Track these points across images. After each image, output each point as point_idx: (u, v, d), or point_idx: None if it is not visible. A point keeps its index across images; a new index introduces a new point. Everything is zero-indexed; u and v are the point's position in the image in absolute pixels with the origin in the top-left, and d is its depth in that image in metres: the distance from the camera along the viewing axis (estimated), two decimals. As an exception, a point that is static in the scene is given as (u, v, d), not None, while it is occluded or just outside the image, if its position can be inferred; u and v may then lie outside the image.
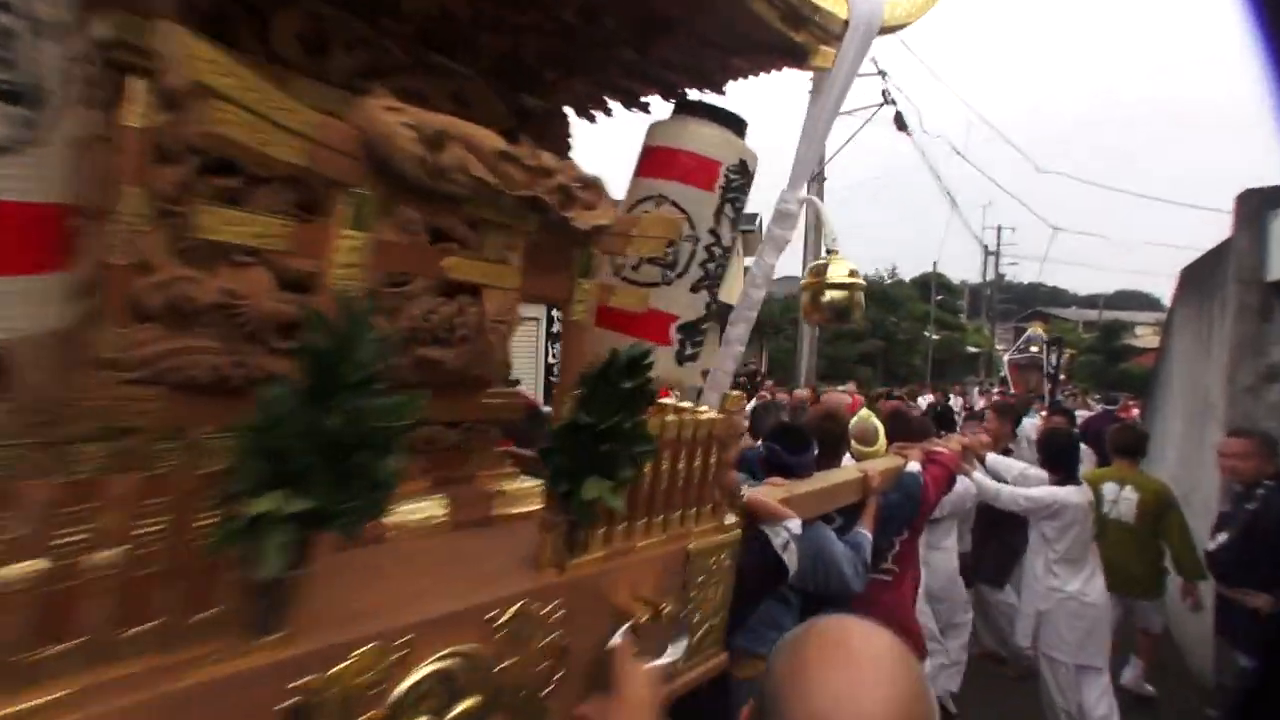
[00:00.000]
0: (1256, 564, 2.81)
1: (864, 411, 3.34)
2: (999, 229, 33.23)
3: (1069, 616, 3.28)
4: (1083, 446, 4.11)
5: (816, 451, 2.20)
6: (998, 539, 4.02)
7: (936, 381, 20.17)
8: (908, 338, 21.80)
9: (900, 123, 12.04)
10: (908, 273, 34.86)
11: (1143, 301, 51.11)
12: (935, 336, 26.89)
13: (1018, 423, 5.34)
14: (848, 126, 12.24)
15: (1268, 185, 4.20)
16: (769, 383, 10.75)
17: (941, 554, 3.58)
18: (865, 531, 2.25)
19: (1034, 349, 12.95)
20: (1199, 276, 5.47)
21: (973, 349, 30.58)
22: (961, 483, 3.33)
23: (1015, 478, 3.67)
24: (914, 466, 2.69)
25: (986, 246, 31.95)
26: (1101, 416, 7.86)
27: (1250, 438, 3.15)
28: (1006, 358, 14.64)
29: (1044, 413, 7.82)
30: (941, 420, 4.92)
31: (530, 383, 8.77)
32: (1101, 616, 3.34)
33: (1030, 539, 3.60)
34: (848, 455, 2.95)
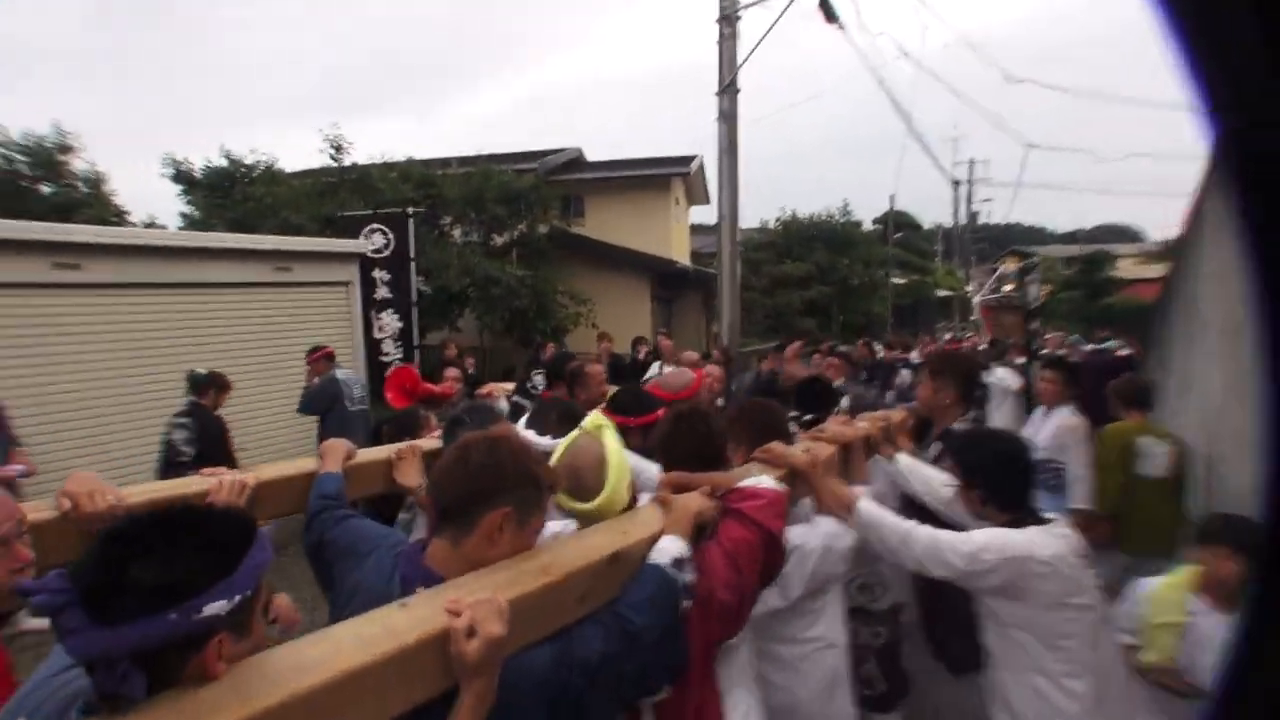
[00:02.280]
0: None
1: (594, 417, 1.85)
2: (970, 163, 33.04)
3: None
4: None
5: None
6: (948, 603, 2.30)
7: (901, 330, 19.54)
8: (862, 282, 21.03)
9: (829, 11, 10.79)
10: (866, 215, 34.36)
11: (1125, 235, 52.48)
12: (900, 280, 26.40)
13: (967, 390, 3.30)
14: (762, 20, 10.92)
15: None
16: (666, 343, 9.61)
17: (802, 652, 2.09)
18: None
19: (1008, 288, 12.28)
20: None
21: (944, 292, 30.41)
22: (820, 530, 2.06)
23: (938, 500, 2.32)
24: (671, 548, 1.51)
25: (957, 182, 31.67)
26: (1097, 359, 7.02)
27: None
28: (976, 299, 13.96)
29: (1021, 360, 6.91)
30: (815, 399, 3.31)
31: (347, 357, 7.34)
32: None
33: (991, 635, 2.03)
34: (553, 518, 1.66)
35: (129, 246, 5.50)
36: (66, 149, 13.15)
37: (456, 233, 15.68)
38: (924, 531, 1.98)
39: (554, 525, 1.74)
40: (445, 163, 15.77)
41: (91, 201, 13.01)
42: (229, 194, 12.50)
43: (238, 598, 0.95)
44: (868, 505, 2.06)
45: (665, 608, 1.42)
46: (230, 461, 4.81)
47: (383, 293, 8.17)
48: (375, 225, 8.16)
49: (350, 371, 5.92)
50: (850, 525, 2.06)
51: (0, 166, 12.65)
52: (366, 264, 7.92)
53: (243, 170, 13.11)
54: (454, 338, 15.29)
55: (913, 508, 2.40)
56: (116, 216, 13.87)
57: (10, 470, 4.16)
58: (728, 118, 10.06)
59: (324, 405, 5.49)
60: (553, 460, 1.68)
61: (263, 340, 6.49)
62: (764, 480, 1.85)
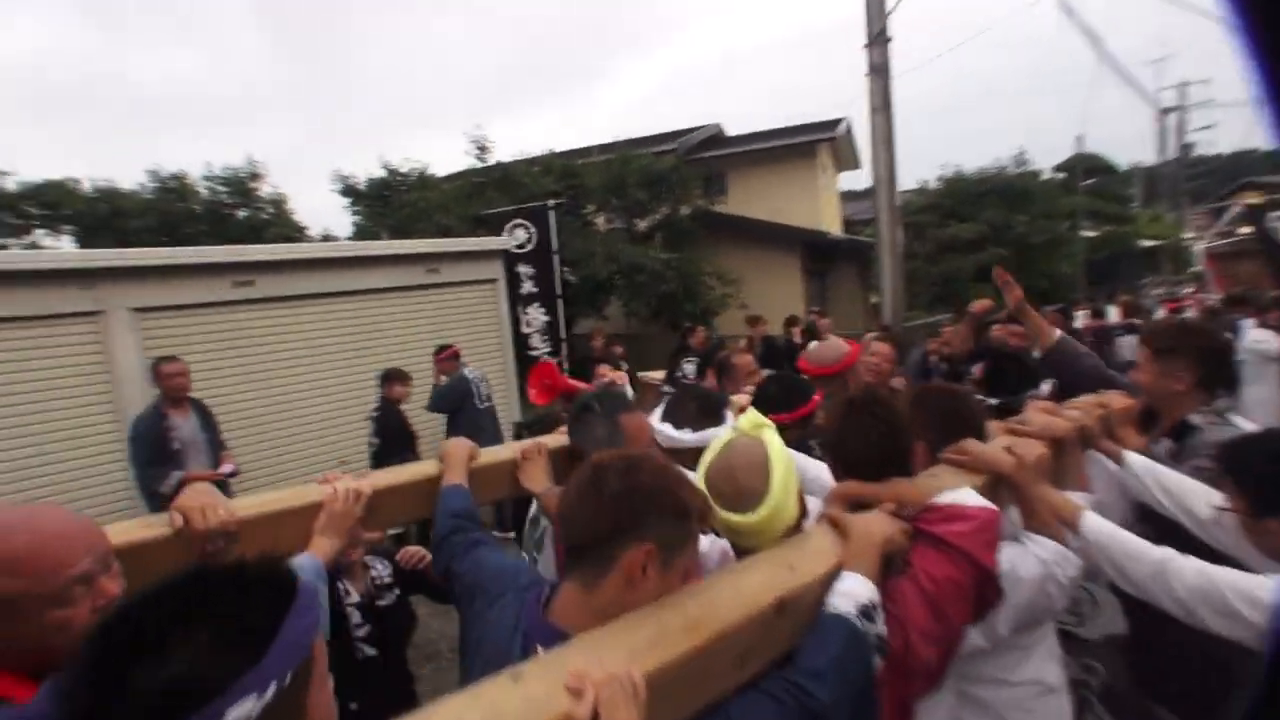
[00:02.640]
0: None
1: (752, 416, 1.46)
2: (1182, 85, 28.42)
3: None
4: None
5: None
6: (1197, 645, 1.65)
7: (1095, 290, 17.18)
8: (1045, 239, 18.51)
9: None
10: (1046, 161, 30.57)
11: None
12: (1091, 233, 23.31)
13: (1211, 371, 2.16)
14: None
15: None
16: (821, 321, 8.84)
17: (1013, 697, 1.63)
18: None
19: (1244, 230, 10.21)
20: None
21: (1150, 242, 26.50)
22: (1036, 554, 1.54)
23: (1191, 518, 1.73)
24: (857, 591, 1.17)
25: (1166, 109, 27.38)
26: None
27: None
28: (1199, 247, 11.83)
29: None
30: (1008, 379, 2.72)
31: (495, 354, 7.47)
32: None
33: None
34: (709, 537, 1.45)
35: (295, 261, 5.86)
36: (256, 176, 14.69)
37: (600, 221, 15.80)
38: (1191, 567, 1.43)
39: (702, 543, 1.43)
40: (585, 152, 15.90)
41: (276, 221, 14.45)
42: (388, 202, 13.37)
43: (272, 688, 0.72)
44: (1095, 521, 1.56)
45: (855, 673, 1.11)
46: (413, 452, 5.19)
47: (528, 287, 8.24)
48: (517, 220, 8.24)
49: (477, 370, 5.98)
50: (1072, 545, 1.57)
51: (207, 196, 14.36)
52: (511, 260, 8.01)
53: (399, 178, 13.96)
54: (601, 326, 15.50)
55: (1149, 520, 1.84)
56: (297, 232, 15.32)
57: (221, 471, 4.53)
58: (878, 71, 9.14)
59: (453, 404, 5.60)
60: (702, 465, 1.41)
61: (417, 341, 6.70)
62: (968, 495, 1.42)
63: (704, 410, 1.98)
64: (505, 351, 7.50)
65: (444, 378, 5.80)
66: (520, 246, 8.25)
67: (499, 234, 8.17)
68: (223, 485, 4.42)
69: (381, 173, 14.08)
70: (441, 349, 5.88)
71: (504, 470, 1.86)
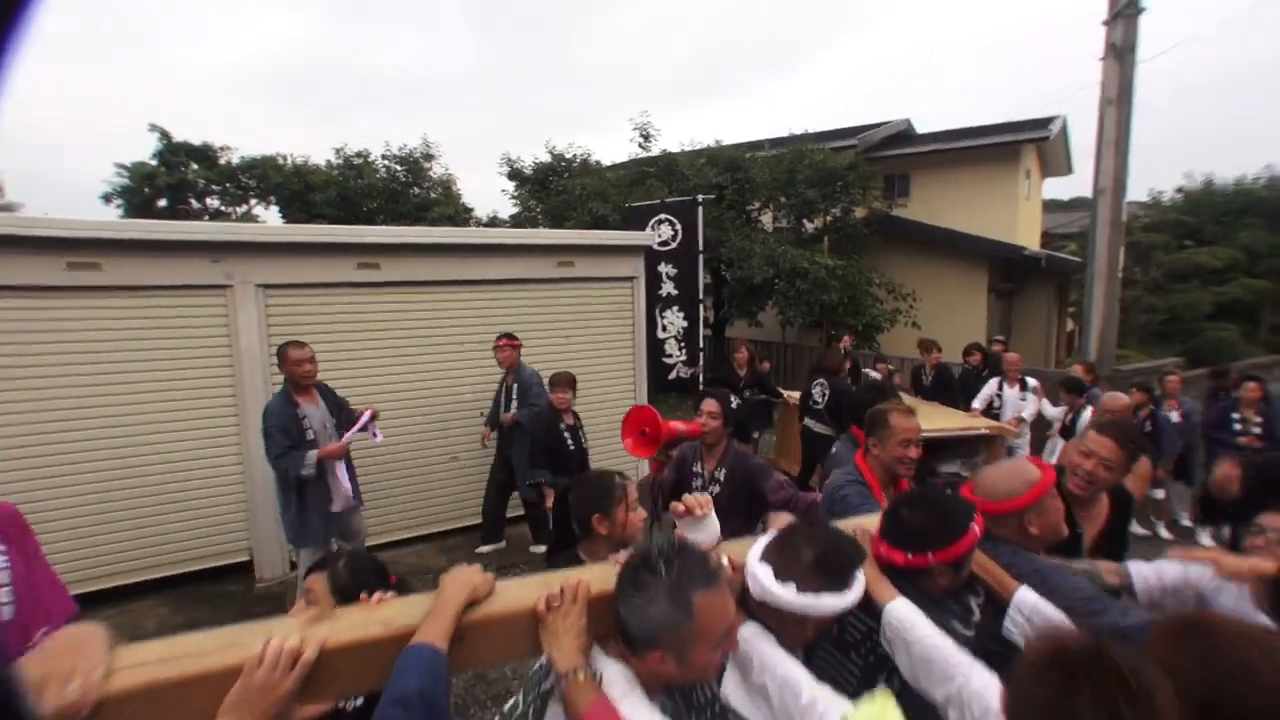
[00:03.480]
0: None
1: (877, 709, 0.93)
2: None
3: None
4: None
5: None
6: None
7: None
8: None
9: None
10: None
11: None
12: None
13: None
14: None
15: None
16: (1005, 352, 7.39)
17: None
18: None
19: None
20: None
21: None
22: None
23: None
24: None
25: None
26: None
27: None
28: None
29: None
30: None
31: (624, 358, 6.95)
32: None
33: None
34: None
35: (421, 246, 5.66)
36: (429, 157, 15.37)
37: (765, 219, 14.94)
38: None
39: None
40: (757, 145, 15.06)
41: (443, 200, 15.01)
42: (548, 187, 13.38)
43: None
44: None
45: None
46: (566, 472, 4.97)
47: (668, 288, 7.65)
48: (663, 215, 7.65)
49: (534, 369, 5.64)
50: None
51: (384, 175, 15.23)
52: (653, 257, 7.45)
53: (563, 164, 13.96)
54: (753, 334, 14.71)
55: None
56: (464, 213, 15.86)
57: (362, 422, 4.46)
58: (1119, 53, 7.55)
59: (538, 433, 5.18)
60: None
61: (543, 337, 6.39)
62: None
63: (823, 565, 1.50)
64: (637, 357, 6.97)
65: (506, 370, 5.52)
66: (664, 243, 7.66)
67: (642, 228, 7.63)
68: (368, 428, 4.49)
69: (546, 158, 14.15)
70: (499, 337, 5.47)
71: (515, 627, 1.38)
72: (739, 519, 3.21)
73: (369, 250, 5.46)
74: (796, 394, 7.10)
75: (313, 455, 4.18)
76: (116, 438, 4.79)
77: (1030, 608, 1.74)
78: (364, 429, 4.48)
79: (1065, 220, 25.57)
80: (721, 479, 3.32)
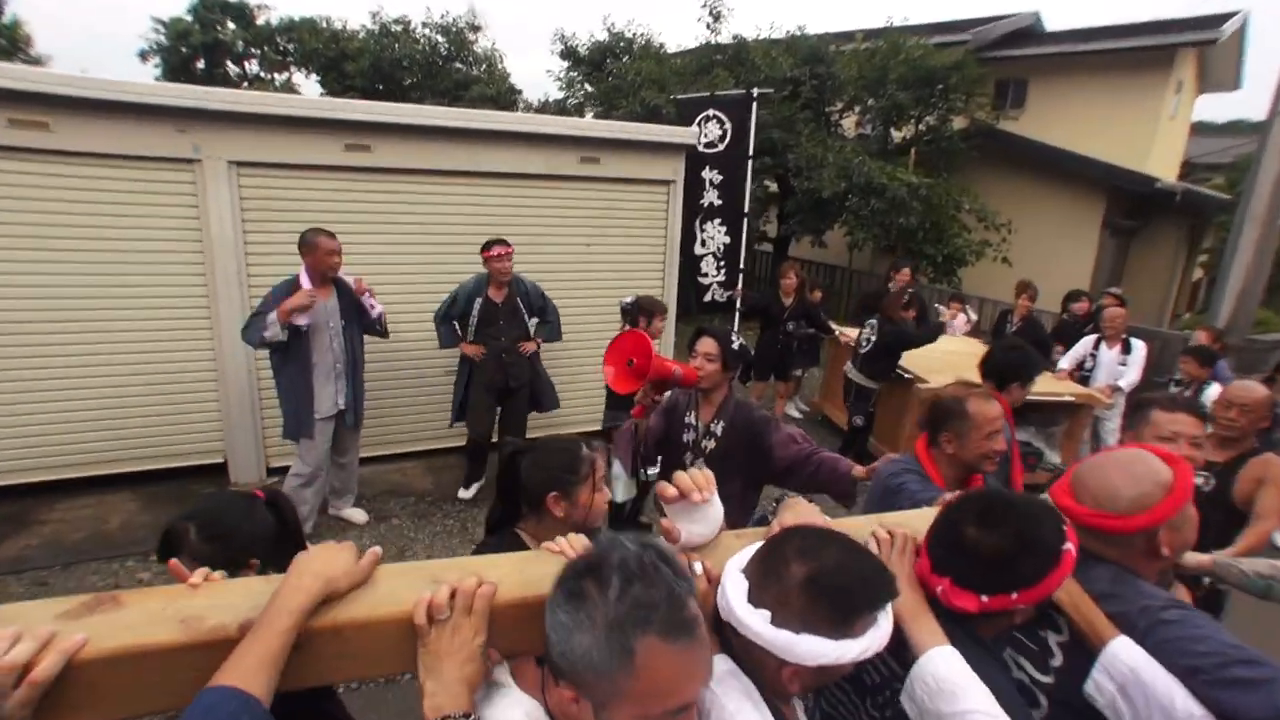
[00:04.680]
0: None
1: None
2: None
3: None
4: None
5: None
6: None
7: None
8: None
9: None
10: None
11: None
12: None
13: None
14: None
15: None
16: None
17: None
18: None
19: None
20: None
21: None
22: None
23: None
24: None
25: None
26: None
27: None
28: None
29: None
30: None
31: (653, 274, 6.53)
32: None
33: None
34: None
35: (421, 128, 5.24)
36: (475, 28, 14.63)
37: (847, 123, 13.90)
38: None
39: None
40: (846, 36, 13.82)
41: (486, 79, 14.36)
42: (602, 70, 12.61)
43: None
44: None
45: None
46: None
47: (710, 197, 7.07)
48: (712, 111, 6.99)
49: (531, 280, 5.28)
50: None
51: (423, 47, 14.62)
52: (696, 161, 6.86)
53: (622, 45, 13.10)
54: (816, 256, 13.97)
55: None
56: (510, 95, 15.21)
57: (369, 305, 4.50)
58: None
59: (443, 329, 5.03)
60: None
61: (558, 245, 6.02)
62: None
63: (816, 592, 1.11)
64: (668, 274, 6.54)
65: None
66: (710, 144, 7.04)
67: (690, 125, 7.00)
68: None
69: (604, 36, 13.30)
70: (491, 243, 4.92)
71: (380, 639, 1.09)
72: (738, 482, 2.96)
73: (358, 129, 5.08)
74: (853, 332, 6.62)
75: (273, 316, 4.09)
76: (71, 322, 4.69)
77: (1126, 669, 1.32)
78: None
79: (1215, 147, 23.17)
80: (718, 433, 3.01)
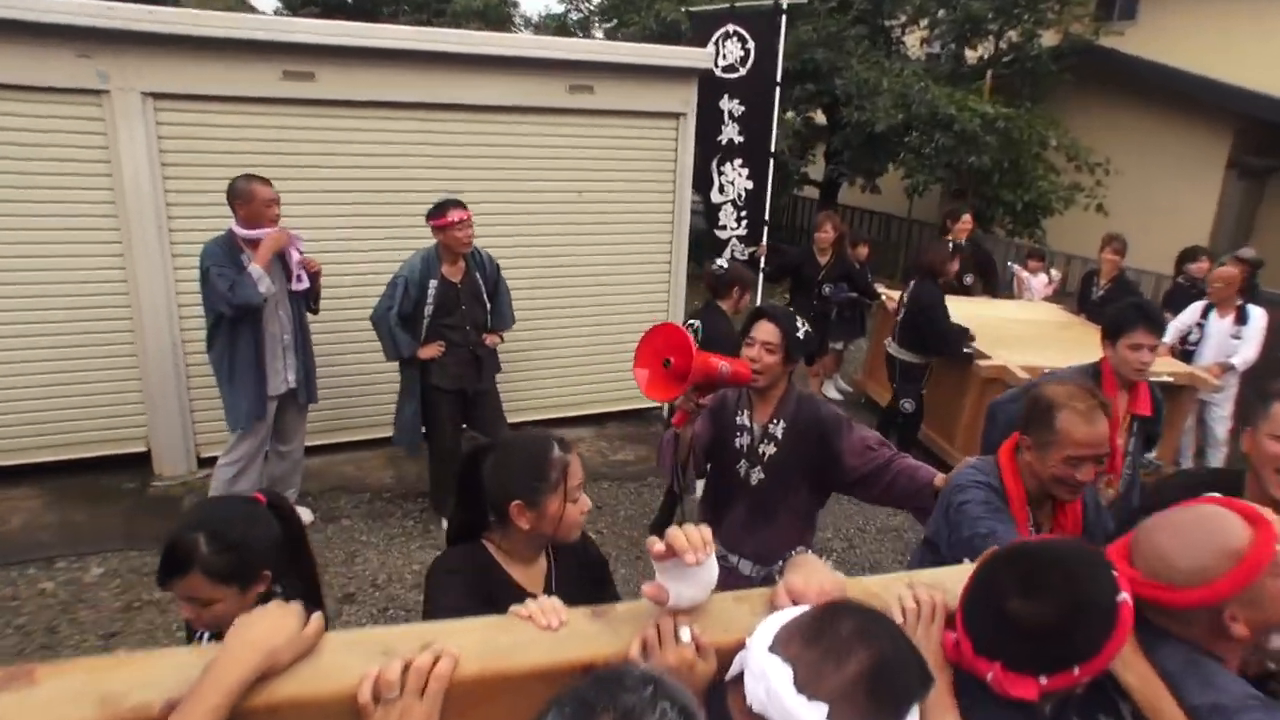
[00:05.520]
0: None
1: None
2: None
3: None
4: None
5: None
6: None
7: None
8: None
9: None
10: None
11: None
12: None
13: None
14: None
15: None
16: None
17: None
18: None
19: None
20: None
21: None
22: None
23: None
24: None
25: None
26: None
27: None
28: None
29: None
30: None
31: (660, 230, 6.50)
32: None
33: None
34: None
35: (374, 51, 5.18)
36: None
37: (911, 40, 13.63)
38: None
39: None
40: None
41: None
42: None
43: None
44: None
45: None
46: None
47: (730, 133, 6.97)
48: (731, 27, 6.87)
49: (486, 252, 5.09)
50: None
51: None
52: (713, 88, 6.77)
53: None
54: (868, 203, 13.75)
55: None
56: (505, 6, 15.07)
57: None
58: None
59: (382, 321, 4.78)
60: None
61: (543, 192, 5.98)
62: None
63: (880, 684, 1.10)
64: (677, 227, 6.51)
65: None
66: (729, 68, 6.93)
67: (703, 45, 6.91)
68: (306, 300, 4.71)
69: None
70: (446, 206, 4.69)
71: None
72: (802, 493, 3.00)
73: (299, 53, 5.07)
74: (891, 292, 6.58)
75: (254, 266, 4.27)
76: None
77: None
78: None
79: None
80: (779, 436, 2.98)
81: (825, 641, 1.11)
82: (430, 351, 4.75)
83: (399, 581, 4.54)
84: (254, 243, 4.38)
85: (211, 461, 5.07)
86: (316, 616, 1.19)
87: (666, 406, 5.71)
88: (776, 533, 3.05)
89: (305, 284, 4.60)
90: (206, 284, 4.30)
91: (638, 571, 4.71)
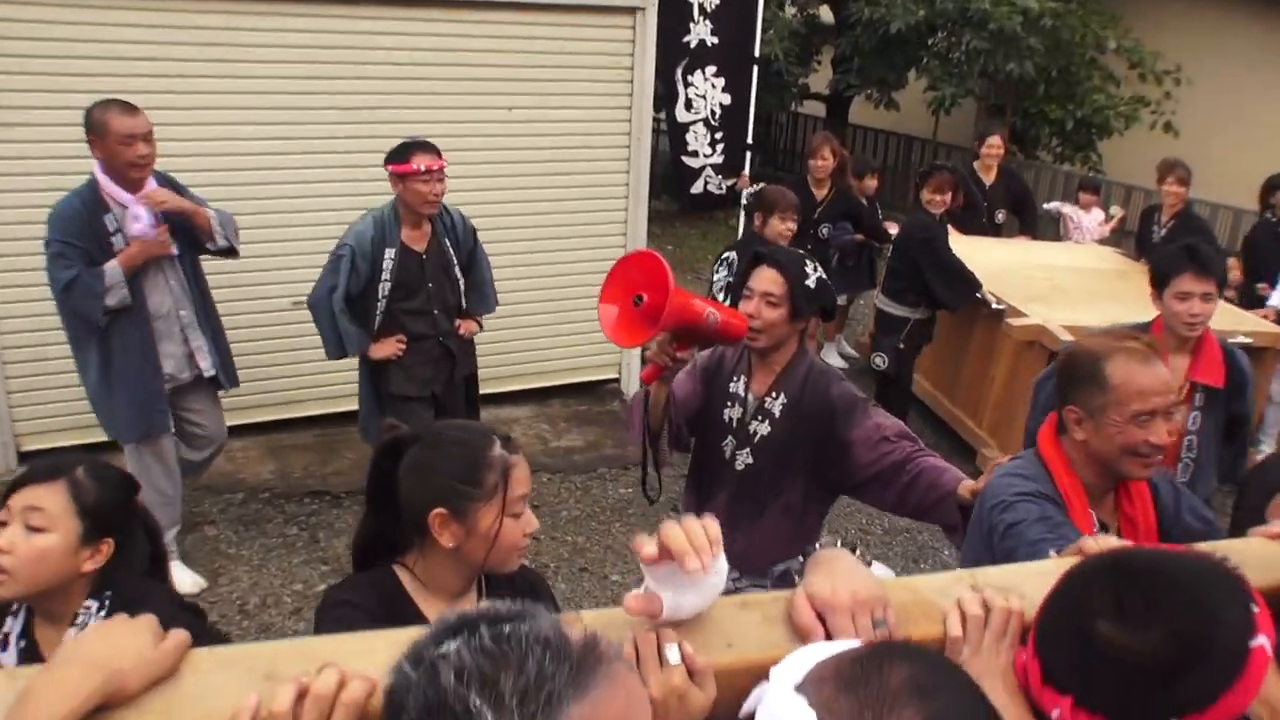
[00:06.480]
0: None
1: None
2: None
3: None
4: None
5: None
6: None
7: None
8: None
9: None
10: None
11: None
12: None
13: None
14: None
15: None
16: None
17: None
18: None
19: None
20: None
21: None
22: None
23: None
24: None
25: None
26: None
27: None
28: None
29: None
30: None
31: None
32: None
33: None
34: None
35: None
36: None
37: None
38: None
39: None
40: None
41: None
42: None
43: None
44: None
45: None
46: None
47: (700, 33, 6.90)
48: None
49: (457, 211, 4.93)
50: None
51: None
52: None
53: None
54: (884, 121, 13.79)
55: None
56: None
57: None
58: None
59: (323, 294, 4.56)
60: None
61: (462, 109, 5.99)
62: None
63: None
64: (634, 153, 6.53)
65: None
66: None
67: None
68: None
69: None
70: (409, 149, 4.46)
71: None
72: (798, 489, 3.02)
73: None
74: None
75: (113, 266, 4.04)
76: None
77: None
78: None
79: None
80: (776, 413, 3.00)
81: (868, 691, 1.00)
82: (385, 350, 4.50)
83: (275, 606, 4.48)
84: (134, 188, 4.13)
85: (33, 456, 5.02)
86: (178, 631, 1.12)
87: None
88: (763, 534, 3.03)
89: (223, 243, 4.39)
90: (49, 262, 4.09)
91: (580, 589, 4.67)
